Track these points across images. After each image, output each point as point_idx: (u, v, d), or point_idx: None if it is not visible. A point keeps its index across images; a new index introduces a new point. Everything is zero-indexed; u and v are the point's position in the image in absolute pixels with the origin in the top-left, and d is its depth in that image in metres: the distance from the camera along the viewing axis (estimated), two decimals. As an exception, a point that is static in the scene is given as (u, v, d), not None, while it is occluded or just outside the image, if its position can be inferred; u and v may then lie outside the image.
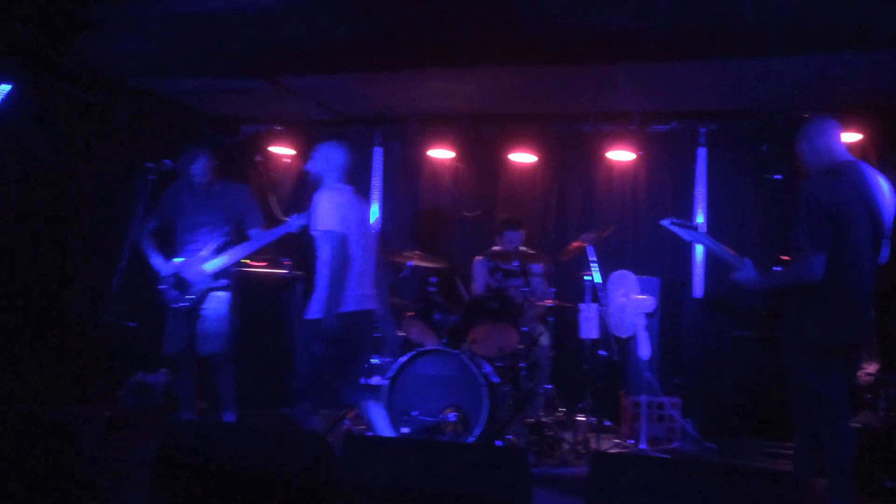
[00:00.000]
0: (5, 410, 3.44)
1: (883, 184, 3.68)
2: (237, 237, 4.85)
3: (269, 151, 7.01)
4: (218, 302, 4.80)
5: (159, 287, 4.80)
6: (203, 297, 4.77)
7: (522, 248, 5.94)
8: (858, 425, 4.61)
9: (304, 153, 7.02)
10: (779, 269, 4.08)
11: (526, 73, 5.39)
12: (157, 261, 4.81)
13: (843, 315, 3.55)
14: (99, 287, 4.70)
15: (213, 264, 4.74)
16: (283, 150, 7.00)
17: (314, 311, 4.31)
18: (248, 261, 6.51)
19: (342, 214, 4.31)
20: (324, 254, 4.35)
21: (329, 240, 4.28)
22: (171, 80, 5.84)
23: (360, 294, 4.35)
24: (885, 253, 3.72)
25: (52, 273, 5.53)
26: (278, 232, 4.83)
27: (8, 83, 5.00)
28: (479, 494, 2.89)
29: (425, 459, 3.01)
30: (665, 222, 3.97)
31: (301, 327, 4.61)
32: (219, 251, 4.77)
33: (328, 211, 4.31)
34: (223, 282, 4.81)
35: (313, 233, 4.39)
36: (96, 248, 5.60)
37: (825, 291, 3.52)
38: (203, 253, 4.76)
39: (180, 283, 4.76)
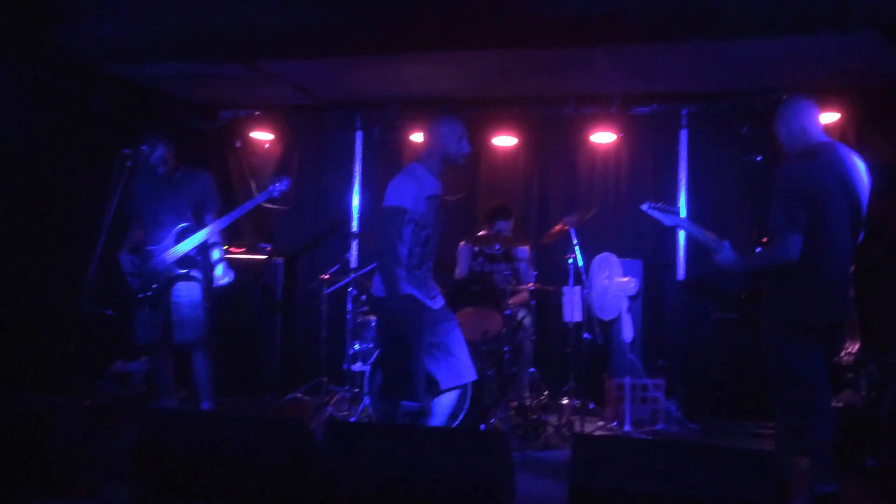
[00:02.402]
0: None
1: (859, 164, 3.70)
2: (198, 223, 4.79)
3: (248, 136, 6.96)
4: (190, 289, 4.74)
5: (127, 279, 4.76)
6: (168, 285, 4.71)
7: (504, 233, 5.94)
8: (840, 405, 4.66)
9: (284, 138, 7.00)
10: (759, 250, 4.10)
11: (506, 57, 5.36)
12: (123, 256, 4.76)
13: (820, 296, 3.57)
14: (76, 275, 4.64)
15: (176, 251, 4.69)
16: (262, 135, 6.95)
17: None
18: (227, 247, 6.48)
19: None
20: None
21: None
22: (148, 65, 5.76)
23: None
24: (861, 233, 3.75)
25: (29, 262, 5.46)
26: (244, 208, 4.81)
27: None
28: (463, 478, 2.89)
29: (408, 444, 3.01)
30: (644, 206, 4.02)
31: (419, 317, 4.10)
32: (180, 238, 4.71)
33: None
34: (193, 270, 4.76)
35: None
36: (73, 237, 5.53)
37: (803, 273, 3.54)
38: (166, 241, 4.71)
39: (143, 272, 4.71)
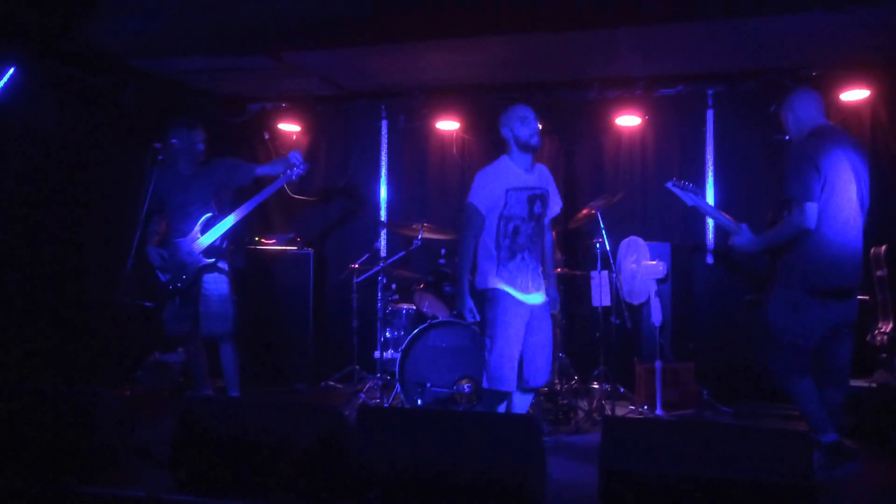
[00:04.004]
0: (31, 391, 3.51)
1: (857, 149, 3.94)
2: (222, 211, 4.85)
3: (276, 128, 7.02)
4: (218, 282, 4.82)
5: (157, 272, 4.86)
6: (198, 275, 4.79)
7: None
8: (874, 385, 4.63)
9: (311, 129, 7.06)
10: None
11: (529, 42, 5.35)
12: (151, 250, 4.87)
13: (828, 261, 3.76)
14: (114, 269, 4.74)
15: (203, 241, 4.76)
16: (290, 127, 7.00)
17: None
18: (258, 238, 6.57)
19: None
20: None
21: None
22: (175, 59, 5.83)
23: None
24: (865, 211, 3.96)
25: (69, 257, 5.57)
26: (265, 194, 4.88)
27: (10, 66, 5.00)
28: (495, 464, 2.92)
29: (440, 430, 3.04)
30: (669, 184, 4.22)
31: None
32: (205, 228, 4.78)
33: None
34: (220, 261, 4.82)
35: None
36: (109, 230, 5.64)
37: (812, 240, 3.75)
38: (193, 232, 4.78)
39: (171, 264, 4.79)
